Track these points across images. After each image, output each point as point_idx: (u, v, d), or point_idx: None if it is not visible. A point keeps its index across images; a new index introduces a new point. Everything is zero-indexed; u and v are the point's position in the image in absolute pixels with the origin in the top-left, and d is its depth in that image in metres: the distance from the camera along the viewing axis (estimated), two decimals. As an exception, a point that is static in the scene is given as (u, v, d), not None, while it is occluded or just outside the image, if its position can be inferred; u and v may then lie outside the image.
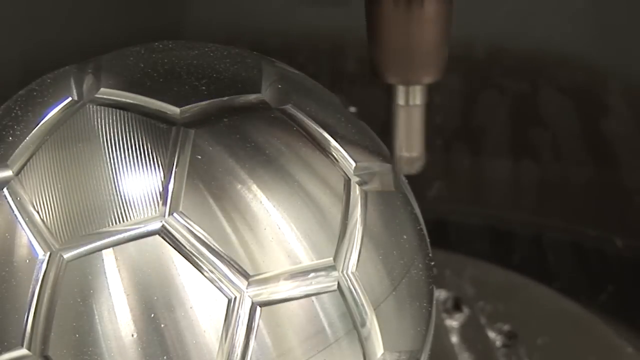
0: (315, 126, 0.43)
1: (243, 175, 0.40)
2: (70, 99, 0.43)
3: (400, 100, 0.44)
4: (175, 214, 0.39)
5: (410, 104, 0.44)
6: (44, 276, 0.39)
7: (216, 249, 0.39)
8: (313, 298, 0.40)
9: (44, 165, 0.40)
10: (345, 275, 0.41)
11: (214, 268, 0.39)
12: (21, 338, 0.39)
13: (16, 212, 0.40)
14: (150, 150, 0.40)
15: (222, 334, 0.39)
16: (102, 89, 0.42)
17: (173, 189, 0.39)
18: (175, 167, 0.39)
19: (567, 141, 0.85)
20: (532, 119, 0.85)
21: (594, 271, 0.83)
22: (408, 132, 0.44)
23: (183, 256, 0.38)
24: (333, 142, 0.43)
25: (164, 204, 0.39)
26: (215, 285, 0.39)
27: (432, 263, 0.46)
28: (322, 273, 0.40)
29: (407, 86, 0.43)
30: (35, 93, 0.44)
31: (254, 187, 0.40)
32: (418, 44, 0.42)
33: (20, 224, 0.40)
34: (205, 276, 0.39)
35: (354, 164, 0.43)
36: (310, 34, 0.84)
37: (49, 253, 0.39)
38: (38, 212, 0.40)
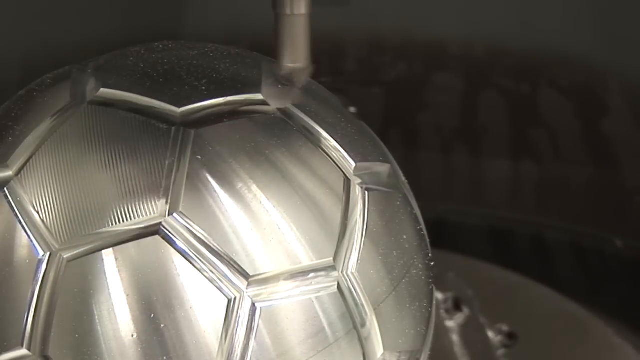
0: (315, 126, 0.43)
1: (243, 175, 0.40)
2: (70, 99, 0.43)
3: (286, 9, 0.43)
4: (175, 214, 0.39)
5: (295, 12, 0.43)
6: (44, 276, 0.39)
7: (216, 249, 0.39)
8: (313, 298, 0.40)
9: (44, 165, 0.40)
10: (345, 276, 0.41)
11: (214, 268, 0.39)
12: (21, 338, 0.39)
13: (16, 212, 0.40)
14: (150, 151, 0.40)
15: (222, 334, 0.39)
16: (102, 89, 0.42)
17: (173, 189, 0.39)
18: (175, 168, 0.39)
19: (567, 141, 0.85)
20: (532, 119, 0.85)
21: (594, 271, 0.84)
22: (292, 42, 0.43)
23: (183, 256, 0.38)
24: (333, 142, 0.43)
25: (164, 204, 0.39)
26: (215, 285, 0.39)
27: (432, 263, 0.46)
28: (322, 273, 0.40)
29: None
30: (35, 93, 0.44)
31: (254, 187, 0.40)
32: None
33: (20, 224, 0.40)
34: (205, 276, 0.39)
35: (354, 164, 0.43)
36: (310, 34, 0.84)
37: (49, 253, 0.39)
38: (38, 212, 0.40)
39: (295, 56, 0.43)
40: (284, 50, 0.43)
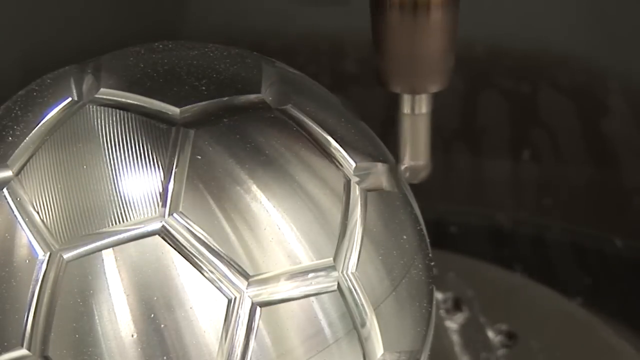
0: (315, 126, 0.43)
1: (243, 175, 0.40)
2: (70, 99, 0.43)
3: (406, 108, 0.43)
4: (175, 214, 0.39)
5: (415, 112, 0.43)
6: (44, 276, 0.39)
7: (216, 249, 0.39)
8: (313, 298, 0.40)
9: (44, 166, 0.40)
10: (345, 276, 0.41)
11: (214, 268, 0.39)
12: (21, 338, 0.39)
13: (16, 212, 0.40)
14: (150, 151, 0.40)
15: (222, 334, 0.39)
16: (102, 89, 0.42)
17: (173, 189, 0.39)
18: (175, 168, 0.39)
19: (567, 141, 0.85)
20: (532, 119, 0.85)
21: (594, 271, 0.83)
22: (413, 141, 0.44)
23: (183, 256, 0.38)
24: (333, 143, 0.43)
25: (164, 204, 0.39)
26: (215, 285, 0.39)
27: (432, 263, 0.46)
28: (322, 273, 0.40)
29: (412, 95, 0.43)
30: (35, 93, 0.44)
31: (254, 188, 0.40)
32: (423, 52, 0.42)
33: (20, 224, 0.40)
34: (205, 276, 0.39)
35: (354, 165, 0.43)
36: (310, 34, 0.84)
37: (49, 253, 0.39)
38: (38, 213, 0.40)
39: (416, 154, 0.44)
40: (405, 149, 0.44)
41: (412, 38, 0.41)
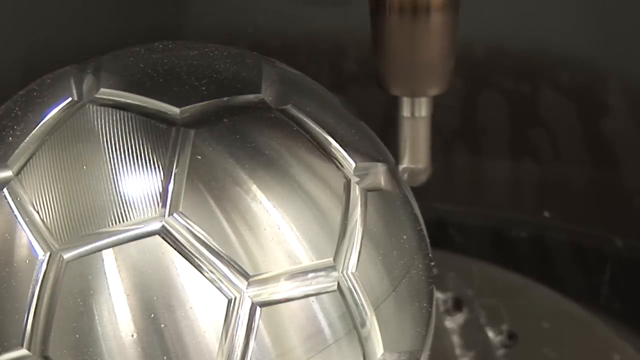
0: (315, 126, 0.43)
1: (243, 175, 0.40)
2: (70, 99, 0.43)
3: (406, 112, 0.43)
4: (175, 214, 0.39)
5: (415, 115, 0.43)
6: (44, 276, 0.39)
7: (216, 249, 0.39)
8: (313, 298, 0.40)
9: (44, 166, 0.40)
10: (345, 276, 0.41)
11: (214, 268, 0.39)
12: (21, 338, 0.39)
13: (16, 212, 0.40)
14: (150, 151, 0.40)
15: (222, 335, 0.39)
16: (102, 89, 0.42)
17: (173, 189, 0.39)
18: (175, 168, 0.39)
19: (567, 141, 0.85)
20: (532, 119, 0.85)
21: (594, 271, 0.83)
22: (413, 144, 0.44)
23: (183, 256, 0.38)
24: (333, 143, 0.43)
25: (164, 204, 0.39)
26: (215, 285, 0.39)
27: (432, 263, 0.46)
28: (322, 273, 0.40)
29: (412, 98, 0.43)
30: (35, 93, 0.44)
31: (254, 188, 0.40)
32: (423, 56, 0.42)
33: (20, 224, 0.40)
34: (205, 276, 0.39)
35: (354, 165, 0.43)
36: (310, 34, 0.84)
37: (49, 253, 0.39)
38: (38, 213, 0.40)
39: (416, 157, 0.44)
40: (405, 152, 0.44)
41: (411, 42, 0.41)
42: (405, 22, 0.41)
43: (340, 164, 0.43)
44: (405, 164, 0.44)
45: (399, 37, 0.41)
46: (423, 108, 0.43)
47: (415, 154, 0.44)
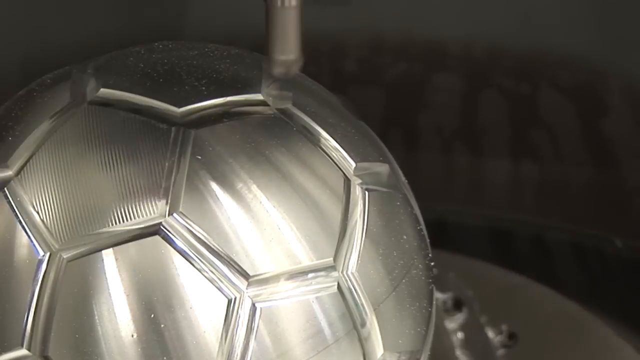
0: (315, 126, 0.43)
1: (243, 175, 0.40)
2: (70, 99, 0.43)
3: (277, 1, 0.43)
4: (175, 215, 0.39)
5: (285, 4, 0.43)
6: (44, 276, 0.39)
7: (216, 249, 0.39)
8: (313, 298, 0.40)
9: (44, 165, 0.40)
10: (345, 276, 0.41)
11: (214, 268, 0.39)
12: (21, 338, 0.39)
13: (16, 212, 0.40)
14: (150, 151, 0.40)
15: (222, 335, 0.39)
16: (102, 89, 0.42)
17: (173, 189, 0.39)
18: (175, 168, 0.39)
19: (567, 141, 0.85)
20: (532, 119, 0.85)
21: (594, 271, 0.83)
22: (283, 34, 0.43)
23: (183, 256, 0.38)
24: (333, 142, 0.43)
25: (164, 204, 0.39)
26: (215, 285, 0.39)
27: (432, 263, 0.46)
28: (322, 273, 0.40)
29: None
30: (35, 93, 0.44)
31: (254, 188, 0.40)
32: None
33: (20, 224, 0.40)
34: (205, 276, 0.39)
35: (354, 164, 0.43)
36: (310, 34, 0.84)
37: (49, 253, 0.39)
38: (38, 213, 0.40)
39: (287, 48, 0.43)
40: (275, 43, 0.43)
41: None
42: None
43: (340, 164, 0.43)
44: (276, 55, 0.43)
45: None
46: None
47: (286, 45, 0.43)
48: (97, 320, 0.38)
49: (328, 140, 0.43)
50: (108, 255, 0.38)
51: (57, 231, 0.39)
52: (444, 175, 0.88)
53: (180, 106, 0.41)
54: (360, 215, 0.42)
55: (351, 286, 0.41)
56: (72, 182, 0.40)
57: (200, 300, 0.38)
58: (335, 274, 0.41)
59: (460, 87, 0.84)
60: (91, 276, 0.38)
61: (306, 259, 0.40)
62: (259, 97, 0.43)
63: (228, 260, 0.39)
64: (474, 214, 0.87)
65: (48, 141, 0.41)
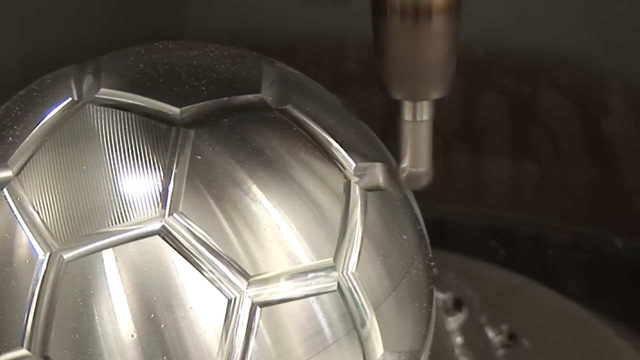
0: (316, 127, 0.43)
1: (243, 175, 0.40)
2: (70, 99, 0.43)
3: (407, 115, 0.43)
4: (175, 215, 0.39)
5: (417, 119, 0.43)
6: (44, 276, 0.39)
7: (216, 249, 0.39)
8: (313, 298, 0.40)
9: (44, 166, 0.40)
10: (345, 276, 0.41)
11: (214, 268, 0.39)
12: (21, 338, 0.39)
13: (16, 212, 0.40)
14: (150, 151, 0.40)
15: (222, 334, 0.39)
16: (102, 89, 0.42)
17: (173, 189, 0.39)
18: (175, 168, 0.39)
19: (567, 141, 0.85)
20: (532, 119, 0.85)
21: (594, 271, 0.83)
22: (414, 147, 0.44)
23: (183, 256, 0.38)
24: (333, 143, 0.43)
25: (164, 204, 0.39)
26: (215, 285, 0.39)
27: (432, 263, 0.46)
28: (322, 273, 0.40)
29: (414, 102, 0.43)
30: (35, 93, 0.44)
31: (254, 188, 0.40)
32: (425, 59, 0.41)
33: (20, 224, 0.40)
34: (205, 276, 0.39)
35: (354, 165, 0.43)
36: (310, 34, 0.84)
37: (48, 253, 0.39)
38: (38, 213, 0.40)
39: (417, 161, 0.44)
40: (406, 155, 0.43)
41: (413, 45, 0.41)
42: (407, 25, 0.41)
43: (340, 164, 0.43)
44: (406, 167, 0.44)
45: (400, 40, 0.41)
46: (425, 111, 0.43)
47: (417, 157, 0.44)
48: (97, 320, 0.38)
49: (328, 141, 0.43)
50: (108, 255, 0.38)
51: (57, 231, 0.39)
52: (444, 175, 0.88)
53: (180, 106, 0.41)
54: (360, 215, 0.42)
55: (351, 286, 0.41)
56: (72, 182, 0.40)
57: (200, 300, 0.38)
58: (335, 274, 0.41)
59: (460, 87, 0.84)
60: (91, 276, 0.38)
61: (306, 259, 0.40)
62: (259, 97, 0.43)
63: (228, 260, 0.39)
64: (474, 214, 0.87)
65: (48, 141, 0.41)
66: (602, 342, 0.69)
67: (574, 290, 0.77)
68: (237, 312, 0.39)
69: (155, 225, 0.39)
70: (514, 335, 0.70)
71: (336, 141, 0.43)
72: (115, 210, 0.39)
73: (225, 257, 0.39)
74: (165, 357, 0.38)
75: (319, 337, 0.40)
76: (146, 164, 0.40)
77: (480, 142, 0.87)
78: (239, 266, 0.39)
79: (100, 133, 0.40)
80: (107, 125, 0.41)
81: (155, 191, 0.39)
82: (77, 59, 0.46)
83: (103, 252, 0.39)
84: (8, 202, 0.40)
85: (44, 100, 0.43)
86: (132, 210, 0.39)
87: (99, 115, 0.41)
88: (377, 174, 0.44)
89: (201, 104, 0.42)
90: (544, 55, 0.82)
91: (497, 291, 0.73)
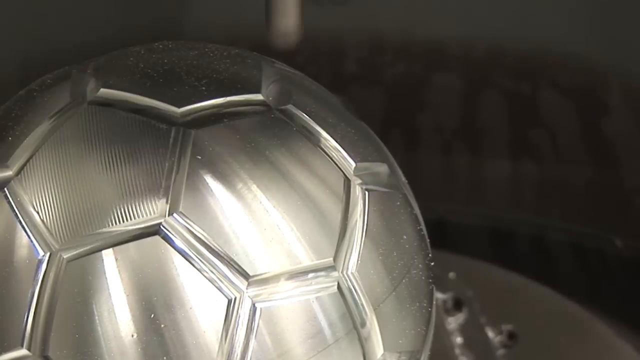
0: (315, 126, 0.43)
1: (243, 175, 0.40)
2: (70, 99, 0.43)
3: None
4: (175, 215, 0.39)
5: None
6: (44, 276, 0.39)
7: (216, 249, 0.39)
8: (313, 298, 0.40)
9: (44, 165, 0.40)
10: (345, 276, 0.41)
11: (214, 268, 0.39)
12: (21, 338, 0.39)
13: (16, 212, 0.40)
14: (150, 151, 0.40)
15: (222, 334, 0.39)
16: (102, 89, 0.42)
17: (173, 189, 0.39)
18: (175, 168, 0.39)
19: (567, 141, 0.85)
20: (532, 119, 0.85)
21: (594, 271, 0.84)
22: (283, 4, 0.43)
23: (183, 256, 0.38)
24: (333, 143, 0.43)
25: (164, 204, 0.39)
26: (215, 285, 0.39)
27: (432, 263, 0.46)
28: (322, 273, 0.40)
29: None
30: (35, 93, 0.44)
31: (254, 188, 0.40)
32: None
33: (20, 224, 0.40)
34: (205, 276, 0.39)
35: (354, 164, 0.43)
36: (310, 34, 0.84)
37: (49, 253, 0.39)
38: (38, 213, 0.40)
39: (286, 18, 0.43)
40: (275, 12, 0.42)
41: None
42: None
43: (340, 164, 0.43)
44: (274, 24, 0.43)
45: None
46: None
47: (285, 14, 0.43)
48: (97, 320, 0.38)
49: (328, 140, 0.43)
50: (108, 255, 0.38)
51: (57, 231, 0.39)
52: (444, 175, 0.88)
53: (180, 106, 0.41)
54: (360, 215, 0.42)
55: (351, 286, 0.41)
56: (72, 182, 0.40)
57: (200, 300, 0.38)
58: (335, 274, 0.41)
59: (460, 87, 0.84)
60: (91, 276, 0.38)
61: (306, 259, 0.40)
62: (259, 97, 0.43)
63: (228, 260, 0.39)
64: (474, 214, 0.88)
65: (48, 141, 0.41)
66: (602, 342, 0.69)
67: (574, 290, 0.77)
68: (237, 312, 0.39)
69: (156, 225, 0.39)
70: (514, 335, 0.70)
71: (336, 141, 0.43)
72: (115, 210, 0.39)
73: (225, 257, 0.39)
74: (165, 357, 0.38)
75: (319, 337, 0.40)
76: (146, 164, 0.39)
77: (480, 142, 0.87)
78: (239, 266, 0.39)
79: (100, 133, 0.40)
80: (107, 125, 0.41)
81: (155, 191, 0.39)
82: (77, 59, 0.47)
83: (103, 252, 0.39)
84: (8, 202, 0.40)
85: (44, 100, 0.43)
86: (132, 210, 0.39)
87: (99, 115, 0.41)
88: (377, 173, 0.44)
89: (201, 104, 0.42)
90: (544, 55, 0.83)
91: (497, 291, 0.73)
